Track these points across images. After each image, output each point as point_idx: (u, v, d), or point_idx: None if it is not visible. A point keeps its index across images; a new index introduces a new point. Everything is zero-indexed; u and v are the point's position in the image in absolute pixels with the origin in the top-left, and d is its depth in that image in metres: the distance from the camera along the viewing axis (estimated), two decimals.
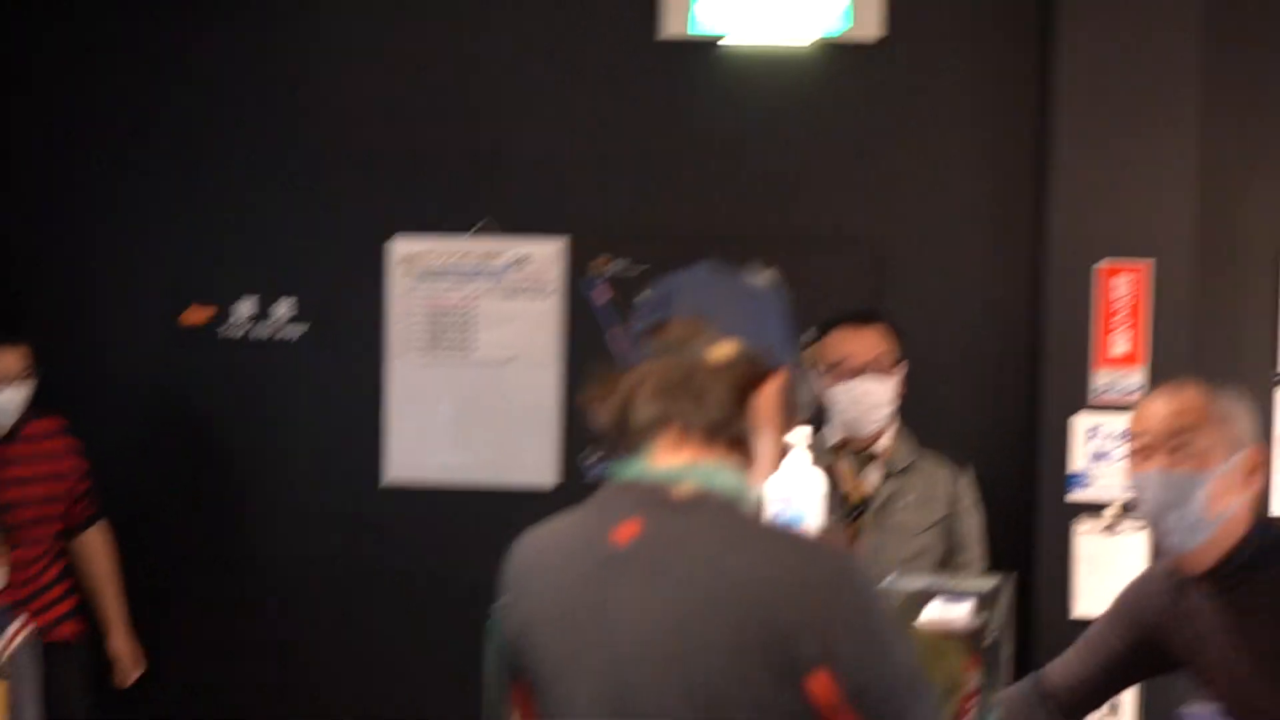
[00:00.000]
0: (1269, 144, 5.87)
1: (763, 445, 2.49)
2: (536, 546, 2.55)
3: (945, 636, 2.63)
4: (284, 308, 6.41)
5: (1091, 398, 5.67)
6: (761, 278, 2.64)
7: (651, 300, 2.55)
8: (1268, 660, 3.28)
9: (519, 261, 6.27)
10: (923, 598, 3.53)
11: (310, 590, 6.44)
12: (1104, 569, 5.64)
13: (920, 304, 6.06)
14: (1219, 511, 3.29)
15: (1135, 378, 5.63)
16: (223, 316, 6.45)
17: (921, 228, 6.08)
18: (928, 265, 6.07)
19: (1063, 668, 3.71)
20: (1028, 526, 5.79)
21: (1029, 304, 5.89)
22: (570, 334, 6.23)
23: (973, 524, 5.11)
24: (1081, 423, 5.68)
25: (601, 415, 2.46)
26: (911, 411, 5.97)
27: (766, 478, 2.53)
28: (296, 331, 6.41)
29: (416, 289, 6.33)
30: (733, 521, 2.39)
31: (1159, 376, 5.60)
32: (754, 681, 2.30)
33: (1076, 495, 5.69)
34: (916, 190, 6.08)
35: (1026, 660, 5.60)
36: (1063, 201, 5.66)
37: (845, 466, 5.02)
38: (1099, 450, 5.67)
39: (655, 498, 2.42)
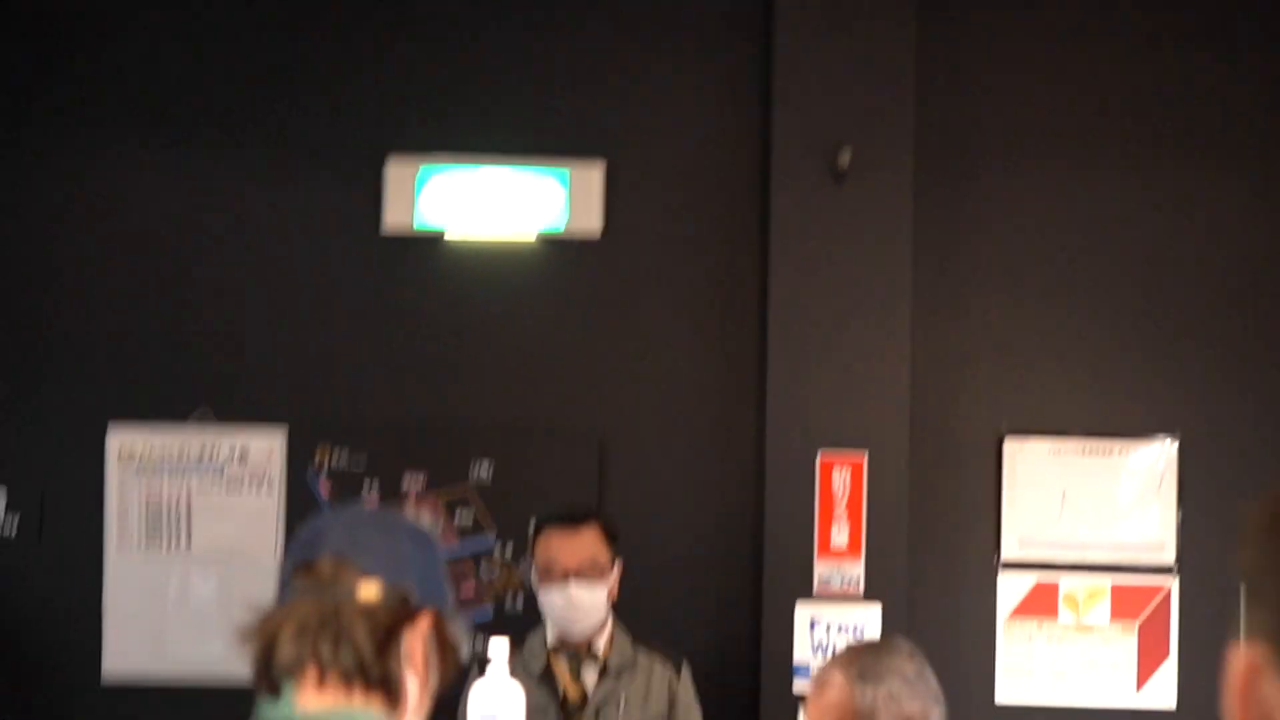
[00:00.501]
0: (985, 335, 5.98)
1: (411, 687, 2.46)
2: None
3: None
4: None
5: (816, 588, 5.70)
6: (419, 518, 2.65)
7: (302, 537, 2.52)
8: None
9: (239, 454, 6.17)
10: None
11: None
12: None
13: (644, 494, 6.06)
14: None
15: (855, 569, 5.68)
16: None
17: (645, 419, 6.09)
18: (651, 456, 6.08)
19: None
20: (753, 714, 5.78)
21: (753, 495, 5.92)
22: (291, 529, 6.13)
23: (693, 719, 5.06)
24: (804, 613, 5.70)
25: (248, 654, 2.42)
26: (635, 601, 5.96)
27: None
28: (11, 524, 6.24)
29: (134, 482, 6.20)
30: None
31: (875, 569, 5.66)
32: None
33: (800, 686, 5.69)
34: (639, 382, 6.10)
35: None
36: (781, 394, 5.72)
37: (562, 667, 4.97)
38: (820, 641, 5.69)
39: None
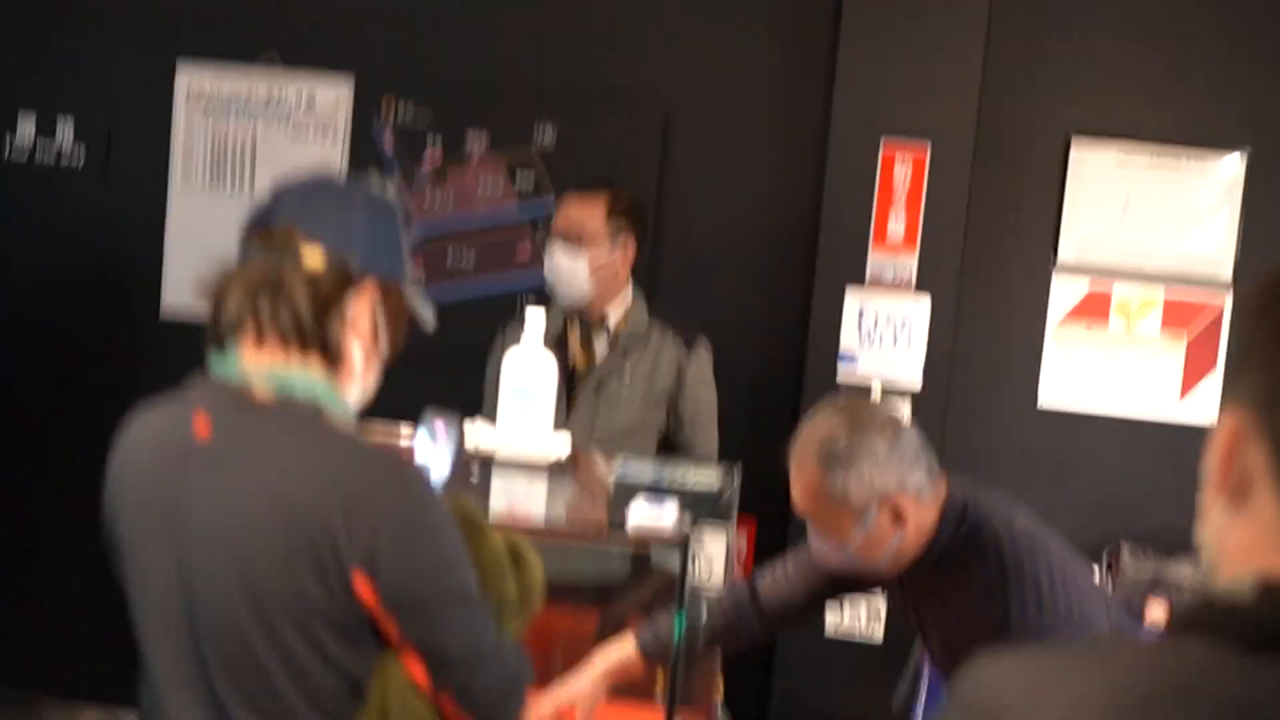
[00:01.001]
0: (1061, 34, 5.88)
1: (355, 352, 2.60)
2: (134, 434, 2.65)
3: (512, 550, 2.69)
4: (65, 130, 6.29)
5: (868, 278, 5.70)
6: (382, 190, 2.71)
7: (264, 202, 2.63)
8: (950, 634, 3.43)
9: (306, 101, 6.18)
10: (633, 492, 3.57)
11: (80, 418, 6.38)
12: None
13: (706, 168, 6.05)
14: (877, 557, 3.38)
15: (909, 261, 5.67)
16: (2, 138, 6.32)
17: (712, 92, 6.05)
18: (716, 130, 6.05)
19: (775, 585, 3.77)
20: (795, 401, 5.84)
21: (814, 179, 5.89)
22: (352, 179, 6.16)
23: (702, 400, 5.08)
24: (853, 301, 5.72)
25: (204, 308, 2.57)
26: (688, 275, 6.00)
27: (364, 386, 2.66)
28: (78, 154, 6.30)
29: (200, 121, 6.23)
30: (303, 426, 2.51)
31: (928, 263, 5.65)
32: (302, 581, 2.43)
33: (844, 374, 5.74)
34: (709, 54, 6.04)
35: (785, 525, 5.69)
36: (849, 78, 5.66)
37: (574, 335, 5.05)
38: (868, 331, 5.72)
39: (235, 397, 2.53)
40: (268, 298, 2.53)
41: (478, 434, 4.01)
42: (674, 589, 3.38)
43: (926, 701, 5.27)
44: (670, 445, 5.05)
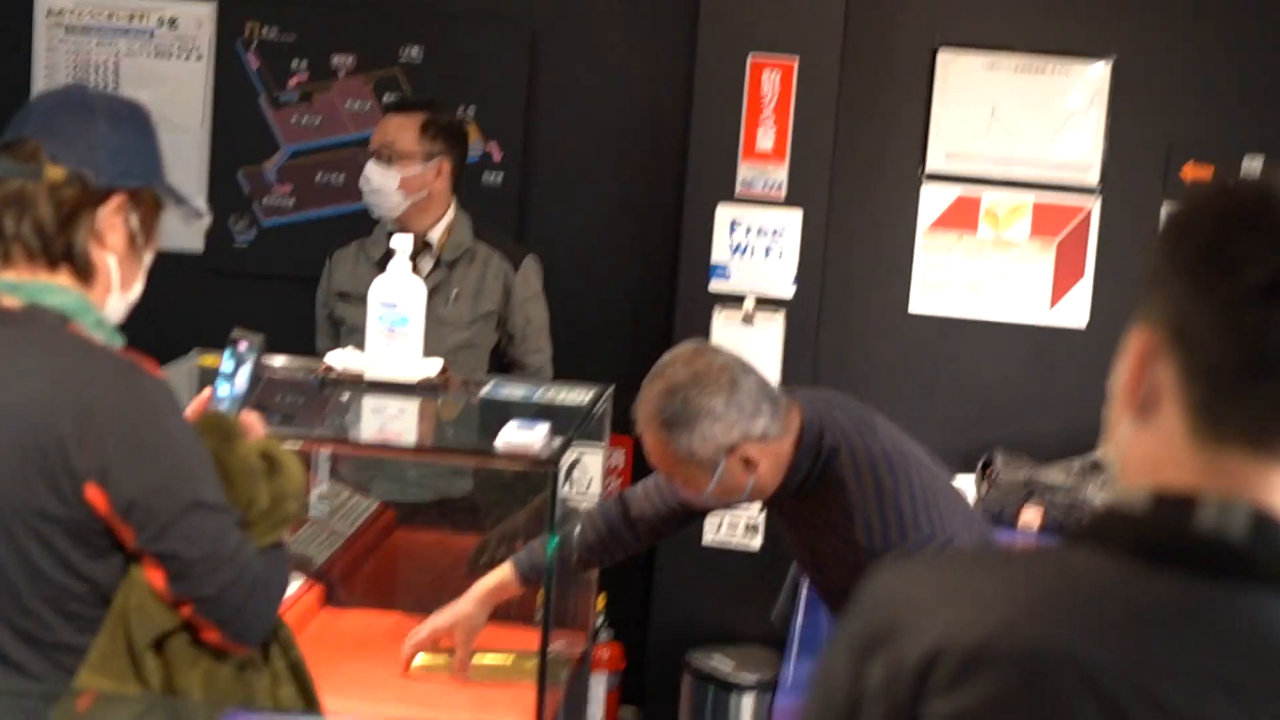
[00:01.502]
0: None
1: (108, 263, 2.65)
2: None
3: (268, 458, 2.71)
4: None
5: (738, 191, 5.71)
6: (128, 102, 2.75)
7: (15, 117, 2.67)
8: (821, 558, 3.47)
9: (169, 21, 6.10)
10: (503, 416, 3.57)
11: None
12: None
13: (572, 87, 6.03)
14: (734, 498, 3.43)
15: (779, 173, 5.69)
16: None
17: (578, 10, 6.02)
18: (583, 49, 6.02)
19: (647, 500, 3.78)
20: (668, 315, 5.86)
21: (682, 95, 5.88)
22: (217, 99, 6.10)
23: (532, 316, 5.11)
24: (725, 215, 5.73)
25: None
26: (556, 193, 5.99)
27: (125, 296, 2.71)
28: None
29: (62, 41, 6.13)
30: (44, 336, 2.56)
31: (799, 175, 5.67)
32: (36, 490, 2.48)
33: (716, 286, 5.75)
34: None
35: None
36: None
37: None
38: (740, 243, 5.73)
39: None
40: (13, 214, 2.60)
41: (346, 357, 4.00)
42: (556, 508, 3.40)
43: (805, 612, 5.32)
44: (504, 362, 5.07)
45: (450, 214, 5.05)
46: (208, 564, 2.53)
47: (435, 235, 5.02)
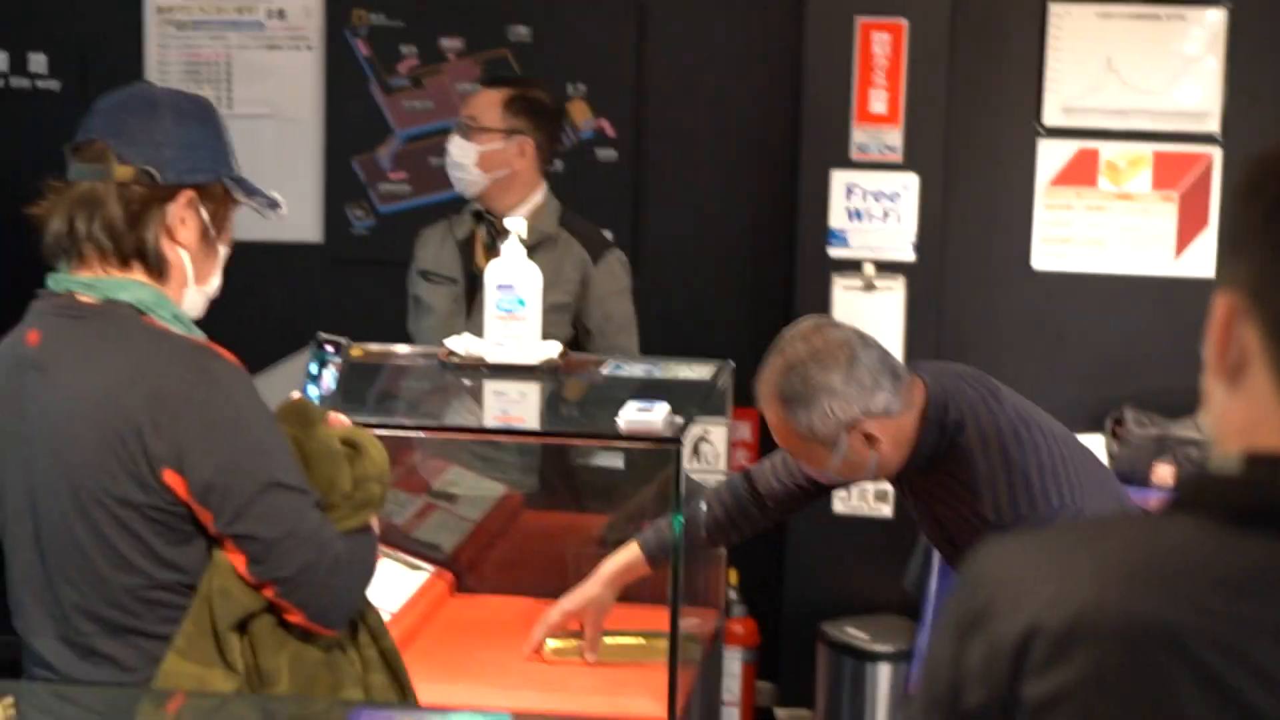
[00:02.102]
0: None
1: (180, 258, 2.70)
2: None
3: (349, 443, 2.72)
4: (38, 62, 6.23)
5: (853, 155, 5.66)
6: (193, 96, 2.77)
7: (83, 120, 2.73)
8: (951, 533, 3.41)
9: (278, 12, 6.12)
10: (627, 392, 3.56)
11: None
12: (862, 326, 5.63)
13: (683, 60, 5.99)
14: (858, 476, 3.42)
15: (893, 136, 5.63)
16: None
17: None
18: (691, 21, 5.98)
19: (774, 476, 3.74)
20: (787, 285, 5.82)
21: (792, 62, 5.83)
22: (329, 89, 6.12)
23: (612, 313, 4.90)
24: (840, 180, 5.68)
25: (39, 226, 2.71)
26: (668, 167, 5.96)
27: (204, 289, 2.76)
28: (54, 85, 6.24)
29: (173, 38, 6.17)
30: (120, 329, 2.61)
31: (913, 136, 5.61)
32: (117, 478, 2.53)
33: (835, 252, 5.71)
34: None
35: None
36: None
37: (481, 236, 4.93)
38: (857, 208, 5.68)
39: (63, 306, 2.65)
40: (84, 215, 2.65)
41: (466, 342, 4.00)
42: (681, 486, 3.38)
43: (939, 578, 5.28)
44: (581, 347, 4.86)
45: (538, 197, 4.89)
46: (287, 544, 2.56)
47: (519, 215, 4.74)
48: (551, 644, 3.77)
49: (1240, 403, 1.47)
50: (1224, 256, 1.49)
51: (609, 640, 3.77)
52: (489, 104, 4.86)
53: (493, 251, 4.72)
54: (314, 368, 2.94)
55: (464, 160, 4.81)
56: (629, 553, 3.78)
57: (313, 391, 2.92)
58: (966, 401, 3.32)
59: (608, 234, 5.16)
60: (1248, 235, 1.45)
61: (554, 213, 4.91)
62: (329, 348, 2.95)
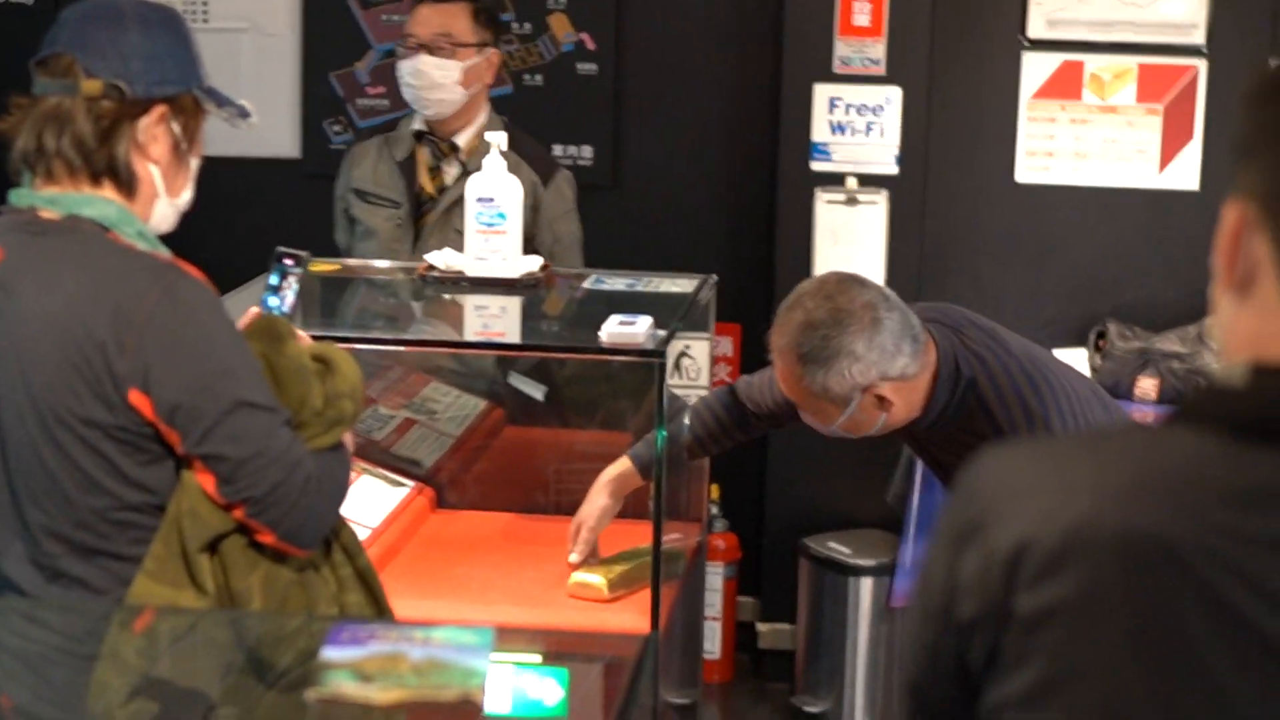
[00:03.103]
0: None
1: (151, 173, 2.65)
2: None
3: (320, 359, 2.68)
4: None
5: (835, 68, 5.62)
6: (158, 6, 2.73)
7: (49, 32, 2.67)
8: (949, 471, 3.39)
9: None
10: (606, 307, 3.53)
11: None
12: (845, 240, 5.67)
13: None
14: (863, 432, 3.35)
15: (876, 49, 5.58)
16: None
17: None
18: None
19: (763, 394, 3.71)
20: (770, 199, 5.78)
21: None
22: (306, 3, 6.04)
23: (562, 233, 4.79)
24: (823, 93, 5.64)
25: (5, 142, 2.66)
26: (654, 69, 5.91)
27: (174, 202, 2.72)
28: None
29: None
30: (85, 246, 2.56)
31: (896, 49, 5.57)
32: (82, 398, 2.49)
33: (817, 166, 5.67)
34: None
35: (769, 328, 5.65)
36: None
37: (424, 156, 4.81)
38: (840, 121, 5.64)
39: (26, 223, 2.60)
40: (52, 130, 2.59)
41: (445, 256, 3.96)
42: (664, 400, 3.36)
43: (921, 492, 5.27)
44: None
45: (483, 117, 4.80)
46: (256, 464, 2.52)
47: (464, 139, 4.76)
48: (579, 576, 3.68)
49: (1248, 314, 1.45)
50: (1235, 164, 1.46)
51: (616, 568, 3.70)
52: (457, 16, 4.70)
53: (437, 174, 4.75)
54: (274, 280, 2.91)
55: (445, 80, 4.65)
56: (621, 465, 3.75)
57: (272, 303, 2.88)
58: (974, 354, 3.27)
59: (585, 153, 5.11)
60: (1257, 144, 1.43)
61: (505, 125, 4.72)
62: (289, 261, 2.92)
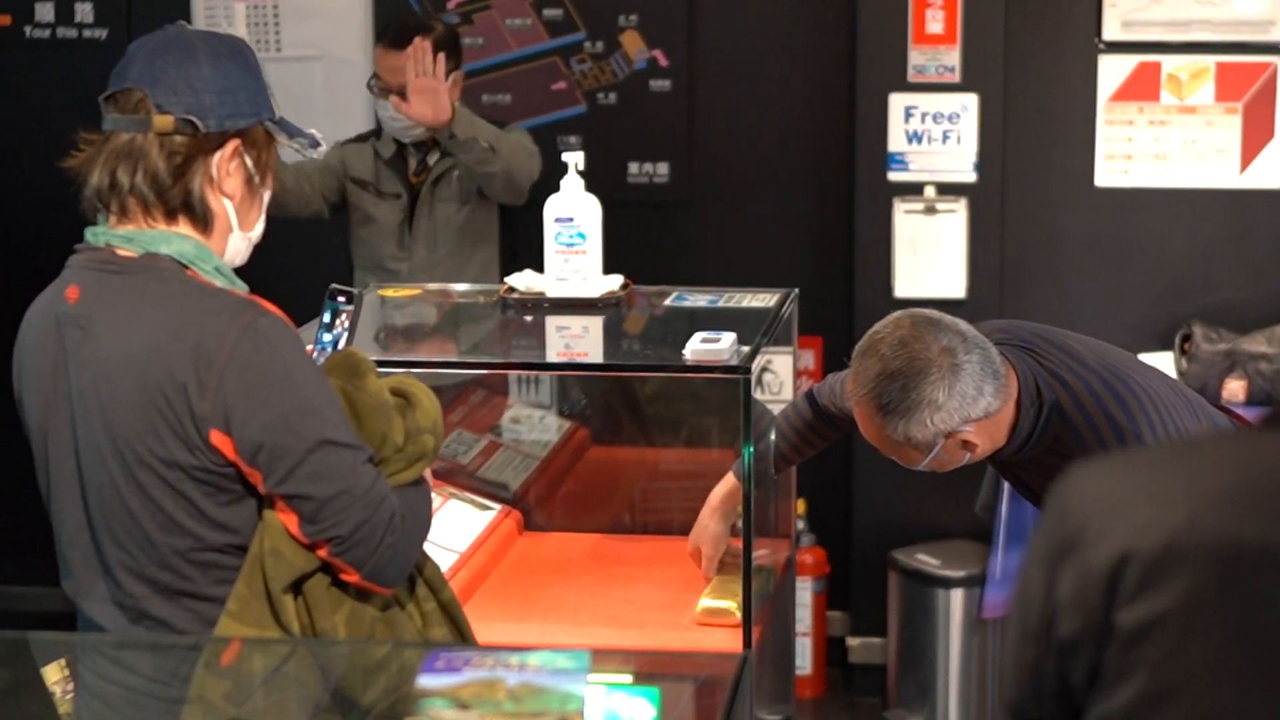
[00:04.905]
0: None
1: (224, 208, 2.64)
2: (27, 314, 2.69)
3: (400, 393, 2.66)
4: (84, 11, 6.20)
5: (910, 77, 5.60)
6: (227, 37, 2.71)
7: (117, 67, 2.65)
8: (1038, 493, 3.35)
9: None
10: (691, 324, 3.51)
11: None
12: (924, 249, 5.64)
13: None
14: (947, 469, 3.28)
15: (951, 57, 5.56)
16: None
17: None
18: None
19: (839, 396, 3.66)
20: (848, 210, 5.76)
21: None
22: (379, 27, 6.05)
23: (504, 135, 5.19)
24: (898, 103, 5.62)
25: (76, 179, 2.64)
26: (721, 90, 5.90)
27: (247, 235, 2.70)
28: (100, 34, 6.21)
29: None
30: (162, 284, 2.54)
31: (971, 56, 5.54)
32: (162, 438, 2.48)
33: (895, 176, 5.65)
34: None
35: (851, 340, 5.63)
36: None
37: (410, 153, 5.32)
38: (916, 131, 5.62)
39: (103, 261, 2.59)
40: (126, 167, 2.57)
41: (526, 278, 3.96)
42: (750, 416, 3.33)
43: (1010, 501, 5.23)
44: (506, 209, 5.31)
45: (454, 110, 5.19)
46: (340, 503, 2.49)
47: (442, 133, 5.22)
48: (707, 603, 3.61)
49: None
50: None
51: (734, 587, 3.65)
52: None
53: (422, 169, 5.30)
54: (327, 318, 2.90)
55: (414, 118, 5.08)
56: (727, 484, 3.70)
57: (325, 340, 2.88)
58: (1053, 374, 3.18)
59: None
60: None
61: (470, 119, 5.14)
62: (341, 298, 2.92)
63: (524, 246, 5.16)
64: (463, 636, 2.76)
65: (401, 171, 5.28)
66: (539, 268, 3.96)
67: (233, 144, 2.62)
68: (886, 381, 3.09)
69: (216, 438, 2.46)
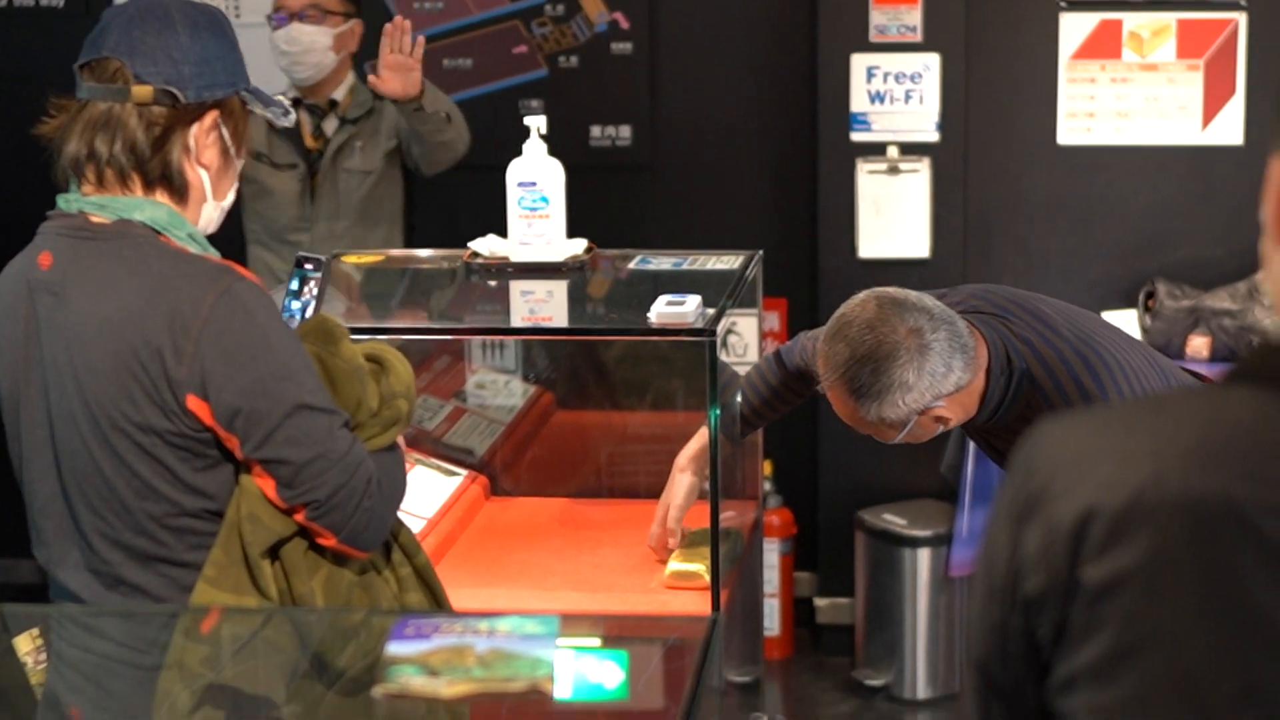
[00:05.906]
0: None
1: (200, 178, 2.65)
2: (1, 278, 2.70)
3: (373, 359, 2.67)
4: None
5: (872, 36, 5.59)
6: (204, 6, 2.71)
7: (92, 34, 2.64)
8: (1006, 456, 3.34)
9: None
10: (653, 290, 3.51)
11: None
12: (888, 210, 5.64)
13: None
14: (921, 441, 3.30)
15: (913, 15, 5.55)
16: None
17: None
18: None
19: (806, 355, 3.66)
20: (811, 171, 5.76)
21: None
22: None
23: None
24: (860, 63, 5.61)
25: (50, 146, 2.64)
26: (689, 46, 5.89)
27: (219, 203, 2.71)
28: (57, 1, 6.16)
29: None
30: (136, 250, 2.54)
31: (933, 15, 5.54)
32: (138, 403, 2.48)
33: (858, 136, 5.65)
34: None
35: (815, 301, 5.64)
36: None
37: (304, 119, 5.27)
38: (878, 91, 5.61)
39: (75, 228, 2.59)
40: (104, 137, 2.57)
41: (490, 243, 3.95)
42: (717, 378, 3.33)
43: (975, 461, 5.25)
44: (411, 176, 5.30)
45: (351, 78, 5.28)
46: (317, 467, 2.50)
47: (339, 95, 5.25)
48: (675, 566, 3.60)
49: None
50: (1275, 120, 1.43)
51: (703, 551, 3.64)
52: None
53: (319, 135, 5.26)
54: (294, 285, 2.90)
55: (317, 44, 5.12)
56: (699, 440, 3.69)
57: (294, 307, 2.88)
58: (1023, 341, 3.19)
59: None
60: None
61: (365, 89, 5.20)
62: (308, 265, 2.91)
63: (422, 219, 5.37)
64: (438, 601, 2.77)
65: (297, 140, 5.24)
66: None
67: (211, 115, 2.63)
68: (856, 366, 3.10)
69: (193, 403, 2.47)
